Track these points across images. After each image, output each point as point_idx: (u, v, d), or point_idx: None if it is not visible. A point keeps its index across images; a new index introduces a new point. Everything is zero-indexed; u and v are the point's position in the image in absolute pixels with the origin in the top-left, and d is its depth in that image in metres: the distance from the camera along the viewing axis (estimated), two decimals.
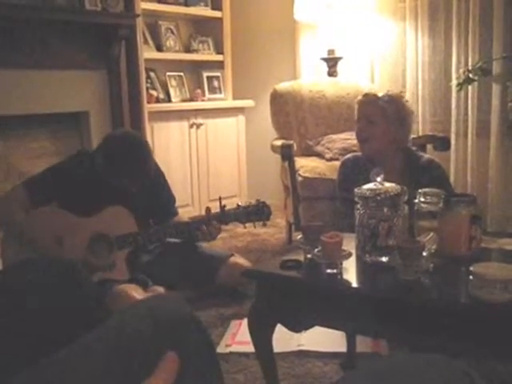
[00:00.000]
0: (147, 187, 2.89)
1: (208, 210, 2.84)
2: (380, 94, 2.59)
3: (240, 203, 2.84)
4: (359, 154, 2.71)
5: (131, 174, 2.78)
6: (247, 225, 2.82)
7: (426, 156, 2.68)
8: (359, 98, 2.65)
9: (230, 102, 4.95)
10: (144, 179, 2.82)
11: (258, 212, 2.78)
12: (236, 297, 2.93)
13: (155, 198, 3.00)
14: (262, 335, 1.82)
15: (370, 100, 2.58)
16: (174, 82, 4.74)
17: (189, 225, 2.86)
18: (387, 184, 1.79)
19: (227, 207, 2.82)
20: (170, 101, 4.65)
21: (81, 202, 2.74)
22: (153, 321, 0.89)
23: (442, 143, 3.57)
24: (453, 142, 4.08)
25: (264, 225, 2.83)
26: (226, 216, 2.80)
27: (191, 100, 4.76)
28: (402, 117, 2.55)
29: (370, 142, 2.57)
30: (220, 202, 2.82)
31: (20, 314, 1.15)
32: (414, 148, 2.77)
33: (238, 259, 3.02)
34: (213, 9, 4.87)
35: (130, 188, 2.80)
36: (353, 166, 2.62)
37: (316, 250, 1.71)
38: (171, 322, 0.90)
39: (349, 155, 2.78)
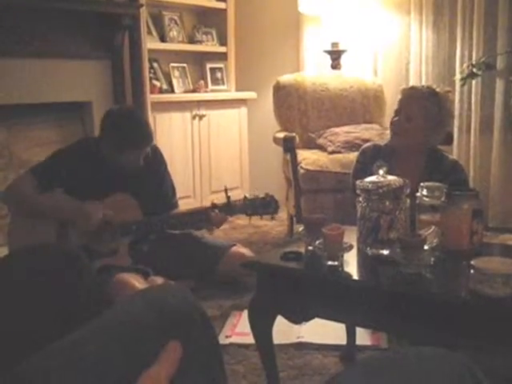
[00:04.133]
0: (150, 173, 2.90)
1: (213, 203, 2.82)
2: (426, 90, 2.50)
3: (247, 195, 2.79)
4: (380, 143, 2.69)
5: (133, 141, 2.78)
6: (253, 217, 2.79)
7: (450, 157, 2.65)
8: (404, 88, 2.58)
9: (233, 94, 4.94)
10: (146, 149, 2.82)
11: (265, 205, 2.73)
12: (236, 288, 2.94)
13: (157, 186, 3.01)
14: (262, 327, 1.83)
15: (414, 96, 2.50)
16: (177, 73, 4.73)
17: (192, 215, 2.86)
18: (390, 177, 1.79)
19: (233, 199, 2.79)
20: (172, 92, 4.64)
21: (86, 188, 2.75)
22: (157, 310, 0.89)
23: (445, 138, 3.55)
24: (456, 136, 4.08)
25: (272, 218, 2.79)
26: (231, 207, 2.76)
27: (194, 91, 4.75)
28: (442, 119, 2.49)
29: (403, 137, 2.51)
30: (226, 193, 2.77)
31: (20, 302, 1.16)
32: (437, 147, 2.72)
33: (241, 249, 3.02)
34: (217, 0, 4.86)
35: (134, 162, 2.80)
36: (372, 155, 2.57)
37: (317, 242, 1.71)
38: (175, 311, 0.90)
39: (369, 143, 2.74)
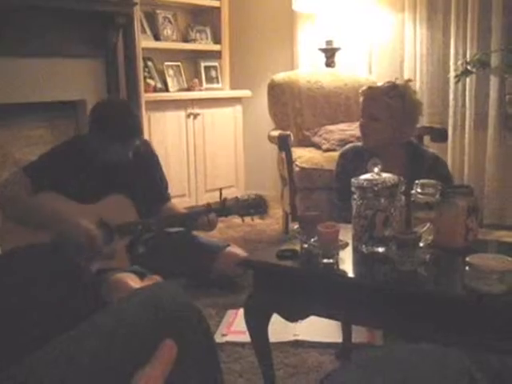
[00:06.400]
0: (142, 167, 2.91)
1: (208, 204, 2.87)
2: (385, 86, 2.49)
3: (239, 196, 2.84)
4: (360, 144, 2.68)
5: (121, 133, 2.76)
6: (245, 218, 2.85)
7: (430, 151, 2.63)
8: (363, 90, 2.55)
9: (228, 92, 4.94)
10: (135, 140, 2.81)
11: (256, 206, 2.80)
12: (232, 287, 2.94)
13: (150, 179, 3.01)
14: (257, 325, 1.82)
15: (373, 95, 2.48)
16: (171, 72, 4.73)
17: (189, 215, 2.87)
18: (384, 174, 1.78)
19: (226, 199, 2.84)
20: (167, 90, 4.63)
21: (80, 189, 2.74)
22: (152, 309, 0.89)
23: (440, 135, 3.57)
24: (450, 133, 4.08)
25: (261, 218, 2.85)
26: (226, 209, 2.83)
27: (188, 90, 4.74)
28: (408, 111, 2.47)
29: (372, 137, 2.50)
30: (220, 195, 2.84)
31: (17, 301, 1.15)
32: (415, 141, 2.72)
33: (235, 249, 3.03)
34: None
35: (124, 155, 2.78)
36: (353, 157, 2.57)
37: (312, 239, 1.71)
38: (170, 310, 0.90)
39: (349, 146, 2.73)
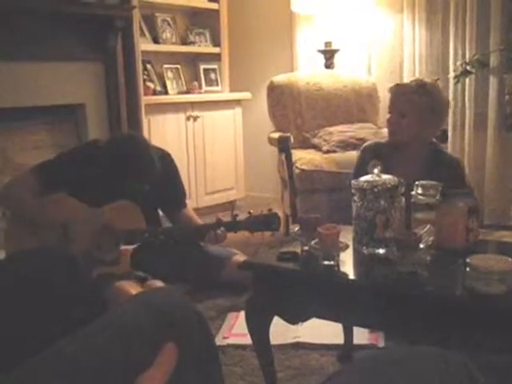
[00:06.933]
0: (158, 183, 2.90)
1: (218, 218, 2.86)
2: (414, 83, 2.50)
3: (251, 211, 2.80)
4: (382, 141, 2.69)
5: (137, 175, 2.80)
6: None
7: (451, 154, 2.66)
8: (391, 87, 2.58)
9: (227, 95, 4.94)
10: (150, 180, 2.83)
11: (268, 223, 2.76)
12: (234, 289, 2.93)
13: (166, 193, 3.03)
14: (259, 327, 1.82)
15: (402, 92, 2.50)
16: (170, 75, 4.73)
17: (197, 229, 2.89)
18: (384, 176, 1.79)
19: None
20: (166, 93, 4.64)
21: (91, 193, 2.74)
22: (152, 312, 0.89)
23: (439, 135, 3.57)
24: (450, 134, 4.08)
25: (272, 235, 2.84)
26: (236, 225, 2.81)
27: (188, 92, 4.75)
28: (436, 109, 2.48)
29: (399, 134, 2.52)
30: (232, 211, 2.86)
31: (17, 304, 1.15)
32: (437, 142, 2.73)
33: (242, 258, 3.02)
34: (209, 0, 4.85)
35: (138, 188, 2.81)
36: (373, 153, 2.57)
37: (313, 241, 1.71)
38: (171, 313, 0.90)
39: (370, 141, 2.75)
